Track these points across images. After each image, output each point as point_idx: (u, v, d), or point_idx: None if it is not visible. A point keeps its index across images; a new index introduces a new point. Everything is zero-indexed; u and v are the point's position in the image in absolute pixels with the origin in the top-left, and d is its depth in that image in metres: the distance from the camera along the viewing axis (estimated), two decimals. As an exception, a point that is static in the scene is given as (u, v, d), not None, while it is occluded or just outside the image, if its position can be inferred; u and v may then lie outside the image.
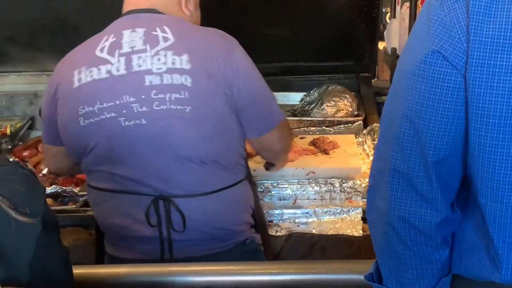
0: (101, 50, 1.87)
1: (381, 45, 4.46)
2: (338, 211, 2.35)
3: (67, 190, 2.61)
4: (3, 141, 3.24)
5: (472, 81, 1.10)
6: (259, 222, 2.08)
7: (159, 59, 1.83)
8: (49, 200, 2.59)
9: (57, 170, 2.45)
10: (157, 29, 1.87)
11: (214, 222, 1.92)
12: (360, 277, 1.44)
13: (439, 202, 1.20)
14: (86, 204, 2.51)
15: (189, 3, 1.99)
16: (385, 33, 4.51)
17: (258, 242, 2.03)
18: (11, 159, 1.18)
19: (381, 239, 1.29)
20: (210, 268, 1.75)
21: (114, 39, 1.88)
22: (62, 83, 1.92)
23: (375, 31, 3.14)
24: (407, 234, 1.22)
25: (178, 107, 1.81)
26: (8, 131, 3.36)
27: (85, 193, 2.52)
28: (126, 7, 1.97)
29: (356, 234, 2.29)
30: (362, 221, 2.33)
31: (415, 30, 1.21)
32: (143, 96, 1.82)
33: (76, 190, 2.60)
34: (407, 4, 3.94)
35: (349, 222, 2.33)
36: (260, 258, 2.03)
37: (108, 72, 1.84)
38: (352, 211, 2.35)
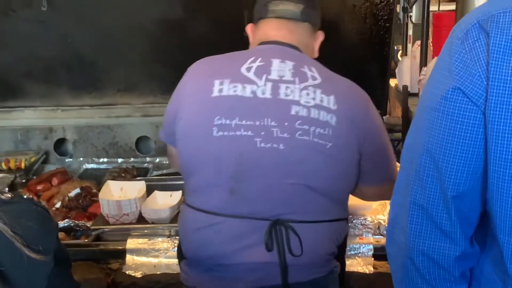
0: (248, 70, 1.90)
1: (392, 82, 4.49)
2: (348, 248, 2.34)
3: (80, 224, 2.62)
4: (17, 175, 3.27)
5: (491, 118, 1.10)
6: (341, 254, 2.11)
7: (307, 94, 1.87)
8: (61, 234, 2.61)
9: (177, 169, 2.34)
10: (305, 66, 1.92)
11: (321, 248, 1.93)
12: None
13: (458, 236, 1.20)
14: (98, 238, 2.52)
15: (316, 52, 2.12)
16: (396, 70, 4.55)
17: (338, 270, 2.05)
18: (25, 196, 1.18)
19: (400, 272, 1.29)
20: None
21: (263, 63, 1.91)
22: (197, 87, 1.94)
23: (386, 69, 3.15)
24: (426, 267, 1.23)
25: (320, 141, 1.84)
26: (22, 165, 3.39)
27: (98, 227, 2.56)
28: (270, 37, 2.02)
29: (367, 271, 2.28)
30: (373, 258, 2.32)
31: (436, 67, 1.22)
32: (286, 123, 1.84)
33: (88, 224, 2.60)
34: (418, 42, 3.97)
35: (360, 259, 2.32)
36: (336, 284, 2.05)
37: (253, 92, 1.87)
38: (363, 248, 2.35)
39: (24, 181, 3.24)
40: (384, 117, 3.47)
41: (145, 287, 2.31)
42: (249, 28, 2.10)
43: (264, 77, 1.88)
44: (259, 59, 1.91)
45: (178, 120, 1.92)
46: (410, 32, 4.83)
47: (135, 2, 2.84)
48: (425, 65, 3.45)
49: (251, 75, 1.88)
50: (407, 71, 4.12)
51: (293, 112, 1.84)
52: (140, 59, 3.10)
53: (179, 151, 1.96)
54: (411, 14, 4.55)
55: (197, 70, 1.98)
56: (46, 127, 3.52)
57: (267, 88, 1.87)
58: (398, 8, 4.67)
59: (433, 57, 3.49)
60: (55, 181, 3.17)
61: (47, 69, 3.24)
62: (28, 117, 3.51)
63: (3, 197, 1.10)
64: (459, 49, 1.15)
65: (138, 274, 2.32)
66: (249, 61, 1.91)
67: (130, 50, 3.07)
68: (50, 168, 3.43)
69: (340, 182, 1.93)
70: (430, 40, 3.75)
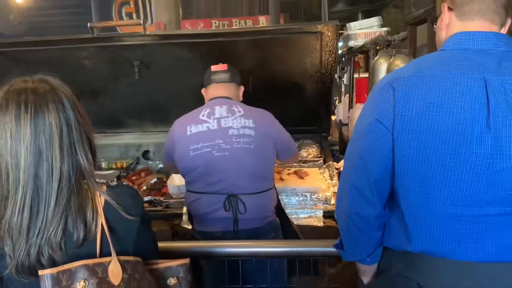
0: (202, 116, 2.03)
1: (333, 118, 4.51)
2: (308, 212, 2.32)
3: (156, 199, 2.60)
4: (121, 171, 3.26)
5: (396, 136, 1.14)
6: (280, 212, 2.16)
7: (237, 121, 1.99)
8: (146, 204, 2.60)
9: (168, 169, 2.72)
10: (234, 106, 2.04)
11: (259, 209, 2.00)
12: (330, 248, 1.45)
13: (377, 204, 1.22)
14: (167, 206, 2.51)
15: (240, 97, 2.20)
16: (335, 111, 4.56)
17: (278, 222, 2.11)
18: (124, 183, 1.17)
19: (344, 224, 1.30)
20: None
21: (210, 110, 2.04)
22: (179, 133, 2.05)
23: (329, 110, 3.15)
24: (358, 222, 1.24)
25: (246, 146, 1.96)
26: (124, 165, 3.38)
27: (168, 200, 2.54)
28: (213, 95, 2.12)
29: (319, 225, 2.27)
30: (323, 218, 2.30)
31: (364, 108, 1.26)
32: (227, 140, 1.96)
33: (161, 199, 2.59)
34: (347, 95, 3.99)
35: (315, 218, 2.30)
36: (278, 231, 2.10)
37: (207, 127, 1.99)
38: (317, 212, 2.33)
39: (125, 174, 3.23)
40: (328, 137, 3.46)
41: (191, 234, 2.27)
42: (203, 91, 2.22)
43: (212, 117, 2.02)
44: (208, 108, 2.05)
45: (175, 151, 2.07)
46: (343, 89, 4.84)
47: (187, 72, 2.83)
48: (351, 108, 3.45)
49: (205, 118, 2.03)
50: (341, 112, 4.13)
51: (230, 133, 1.98)
52: (190, 105, 3.07)
53: (177, 165, 2.09)
54: (343, 79, 4.57)
55: (178, 123, 2.12)
56: (137, 144, 3.50)
57: (215, 123, 2.00)
58: (336, 76, 4.70)
59: (355, 104, 3.50)
60: (142, 174, 3.15)
61: (138, 111, 3.24)
62: (127, 138, 3.50)
63: (112, 184, 1.10)
64: (378, 97, 1.18)
65: (189, 227, 2.30)
66: (202, 111, 2.05)
67: (185, 100, 3.04)
68: (139, 167, 3.41)
69: (263, 165, 2.02)
70: (355, 95, 3.76)
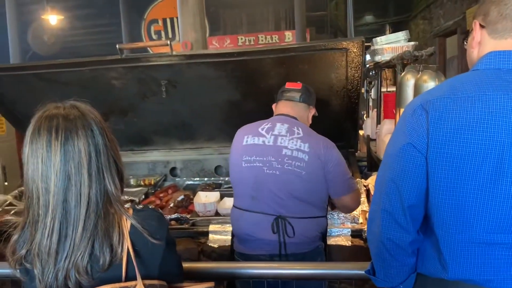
0: (262, 129, 2.01)
1: (361, 133, 4.46)
2: (336, 231, 2.28)
3: (183, 216, 2.62)
4: (149, 188, 3.30)
5: (430, 160, 1.11)
6: (324, 238, 2.12)
7: (293, 142, 1.93)
8: (173, 222, 2.62)
9: None
10: (295, 127, 2.00)
11: (307, 234, 1.94)
12: (362, 272, 1.42)
13: (410, 229, 1.19)
14: (193, 224, 2.52)
15: (310, 119, 2.18)
16: (363, 126, 4.51)
17: (323, 247, 2.06)
18: (150, 206, 1.19)
19: (375, 250, 1.26)
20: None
21: (270, 125, 2.01)
22: (237, 141, 2.04)
23: (356, 125, 3.11)
24: (391, 248, 1.21)
25: (298, 170, 1.90)
26: (152, 182, 3.42)
27: (194, 218, 2.56)
28: (280, 111, 2.10)
29: (347, 244, 2.22)
30: (350, 237, 2.26)
31: (396, 130, 1.23)
32: (279, 159, 1.91)
33: (188, 216, 2.60)
34: (375, 110, 3.94)
35: (343, 237, 2.26)
36: (323, 255, 2.06)
37: (263, 142, 1.96)
38: (345, 230, 2.29)
39: (153, 191, 3.26)
40: (356, 153, 3.42)
41: (219, 253, 2.27)
42: (273, 106, 2.17)
43: (270, 133, 1.98)
44: (270, 123, 2.02)
45: (230, 158, 2.04)
46: (371, 103, 4.78)
47: (213, 90, 2.87)
48: (379, 123, 3.40)
49: (263, 132, 1.99)
50: (369, 126, 4.07)
51: (283, 153, 1.92)
52: (216, 122, 3.12)
53: (230, 172, 2.06)
54: (370, 93, 4.51)
55: (240, 131, 2.08)
56: (165, 160, 3.54)
57: (271, 139, 1.97)
58: (363, 90, 4.65)
59: (383, 119, 3.45)
60: (169, 191, 3.18)
61: (165, 128, 3.29)
62: (155, 155, 3.55)
63: (137, 207, 1.11)
64: (410, 120, 1.15)
65: (216, 245, 2.31)
66: (264, 124, 2.01)
67: (211, 117, 3.10)
68: (167, 184, 3.45)
69: (313, 193, 1.94)
70: (382, 109, 3.71)
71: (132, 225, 1.04)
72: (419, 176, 1.14)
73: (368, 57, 4.21)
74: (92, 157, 1.03)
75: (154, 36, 11.53)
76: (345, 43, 2.45)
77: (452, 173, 1.08)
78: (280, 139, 1.96)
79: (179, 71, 2.72)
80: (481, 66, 1.14)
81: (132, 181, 3.50)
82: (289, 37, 10.71)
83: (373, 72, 3.70)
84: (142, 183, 3.45)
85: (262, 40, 10.86)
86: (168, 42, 2.49)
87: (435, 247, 1.17)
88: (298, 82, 2.18)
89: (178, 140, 3.42)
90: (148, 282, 1.02)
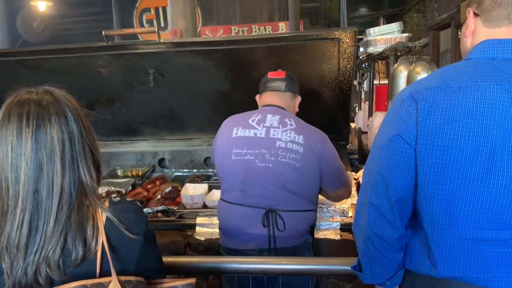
0: (252, 121, 1.93)
1: (352, 125, 4.42)
2: (325, 224, 2.24)
3: (170, 208, 2.56)
4: (137, 179, 3.24)
5: (419, 153, 1.06)
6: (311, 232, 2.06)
7: (286, 134, 1.88)
8: (160, 214, 2.56)
9: None
10: (287, 118, 1.94)
11: (298, 226, 1.89)
12: (348, 267, 1.37)
13: (398, 224, 1.14)
14: (180, 217, 2.47)
15: (296, 108, 2.12)
16: (355, 118, 4.47)
17: (311, 241, 2.02)
18: (128, 199, 1.13)
19: (362, 245, 1.22)
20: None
21: (261, 117, 1.94)
22: (224, 133, 1.96)
23: (348, 118, 3.06)
24: (378, 243, 1.17)
25: (292, 162, 1.84)
26: (140, 173, 3.37)
27: (181, 210, 2.50)
28: (266, 102, 2.03)
29: (336, 238, 2.18)
30: (340, 231, 2.22)
31: (384, 121, 1.17)
32: (273, 151, 1.85)
33: (175, 208, 2.55)
34: (367, 102, 3.90)
35: (332, 231, 2.22)
36: (311, 249, 2.02)
37: (255, 134, 1.89)
38: (334, 224, 2.25)
39: (140, 182, 3.21)
40: (347, 145, 3.38)
41: (206, 247, 2.23)
42: (257, 97, 2.11)
43: (261, 125, 1.92)
44: (260, 115, 1.94)
45: (216, 150, 1.97)
46: (363, 96, 4.74)
47: (202, 80, 2.81)
48: (371, 115, 3.36)
49: (254, 124, 1.91)
50: (361, 119, 4.03)
51: (277, 145, 1.86)
52: (206, 113, 3.07)
53: (217, 166, 1.98)
54: (363, 85, 4.47)
55: (226, 122, 2.00)
56: (153, 151, 3.49)
57: (263, 131, 1.90)
58: (356, 83, 4.60)
59: (375, 111, 3.41)
60: (157, 182, 3.13)
61: (153, 119, 3.23)
62: (143, 146, 3.50)
63: (114, 200, 1.05)
64: (399, 110, 1.10)
65: (202, 239, 2.26)
66: (253, 116, 1.94)
67: (200, 107, 3.04)
68: (155, 175, 3.39)
69: (306, 186, 1.90)
70: (374, 101, 3.67)
71: (107, 218, 0.99)
72: (407, 169, 1.09)
73: (361, 49, 4.17)
74: (66, 145, 0.97)
75: (146, 25, 11.38)
76: (337, 33, 2.39)
77: (441, 167, 1.04)
78: (273, 131, 1.90)
79: (167, 60, 2.65)
80: (475, 55, 1.09)
81: (119, 172, 3.45)
82: (283, 28, 10.63)
83: (366, 64, 3.65)
84: (129, 174, 3.40)
85: (255, 31, 10.77)
86: (156, 29, 2.42)
87: (424, 243, 1.13)
88: (280, 70, 2.11)
89: (167, 131, 3.36)
90: (123, 278, 0.96)
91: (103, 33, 2.46)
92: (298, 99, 2.14)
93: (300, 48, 2.54)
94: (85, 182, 0.99)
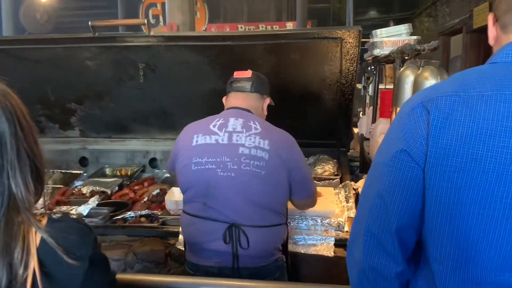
0: (213, 126, 1.77)
1: (356, 130, 4.24)
2: (318, 238, 2.07)
3: (154, 213, 2.41)
4: (124, 179, 3.08)
5: (428, 174, 0.87)
6: (285, 249, 1.88)
7: (250, 139, 1.72)
8: (143, 219, 2.40)
9: (172, 179, 2.35)
10: (251, 121, 1.78)
11: (264, 245, 1.72)
12: None
13: (399, 258, 0.95)
14: (163, 223, 2.30)
15: (265, 110, 1.94)
16: (358, 123, 4.29)
17: (283, 260, 1.83)
18: (72, 216, 0.95)
19: (356, 279, 1.02)
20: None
21: (223, 121, 1.78)
22: (184, 141, 1.80)
23: (350, 123, 2.90)
24: (374, 279, 0.98)
25: (257, 170, 1.68)
26: (129, 173, 3.21)
27: (165, 216, 2.34)
28: (231, 104, 1.88)
29: (329, 255, 2.00)
30: (334, 246, 2.04)
31: (388, 133, 0.98)
32: (235, 159, 1.69)
33: (159, 213, 2.38)
34: (371, 107, 3.72)
35: (325, 246, 2.04)
36: (283, 270, 1.82)
37: (216, 140, 1.73)
38: (328, 239, 2.07)
39: (128, 183, 3.05)
40: (348, 152, 3.20)
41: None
42: (224, 99, 1.96)
43: (223, 130, 1.76)
44: (222, 119, 1.81)
45: (176, 161, 1.80)
46: (367, 100, 4.55)
47: (195, 78, 2.66)
48: (374, 122, 3.18)
49: (215, 129, 1.77)
50: (364, 125, 3.85)
51: (240, 152, 1.70)
52: (199, 112, 2.89)
53: (178, 178, 1.82)
54: (368, 89, 4.28)
55: (186, 130, 1.87)
56: (144, 150, 3.33)
57: (225, 137, 1.74)
58: (360, 86, 4.42)
59: (378, 117, 3.23)
60: (146, 184, 2.97)
61: (144, 116, 3.08)
62: (134, 144, 3.34)
63: (54, 217, 0.88)
64: (407, 122, 0.91)
65: (184, 249, 2.10)
66: (215, 120, 1.79)
67: (193, 107, 2.88)
68: (145, 175, 3.23)
69: (273, 197, 1.73)
70: (379, 106, 3.49)
71: (42, 240, 0.82)
72: (413, 192, 0.90)
73: (369, 52, 3.99)
74: None
75: (152, 21, 11.23)
76: (340, 32, 2.22)
77: (456, 194, 0.84)
78: (236, 136, 1.73)
79: (158, 54, 2.49)
80: (501, 59, 0.90)
81: (108, 171, 3.30)
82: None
83: (372, 67, 3.47)
84: (118, 173, 3.24)
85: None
86: (145, 21, 2.26)
87: (429, 283, 0.93)
88: (248, 70, 1.94)
89: (158, 130, 3.20)
90: (60, 311, 0.80)
91: (89, 23, 2.31)
92: (267, 100, 1.95)
93: (300, 47, 2.38)
94: (17, 196, 0.82)
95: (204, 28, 10.73)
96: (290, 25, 10.59)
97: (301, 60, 2.46)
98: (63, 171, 3.33)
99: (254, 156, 1.69)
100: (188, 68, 2.57)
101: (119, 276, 1.23)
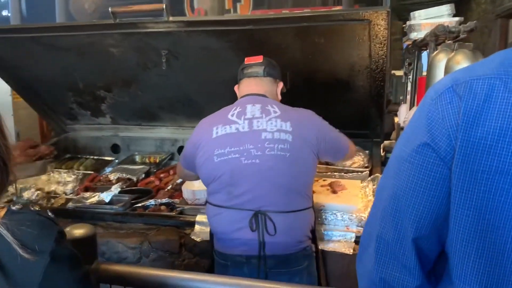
0: (232, 115, 1.75)
1: (396, 120, 4.02)
2: (338, 234, 1.96)
3: (175, 202, 2.39)
4: (151, 167, 3.09)
5: (457, 174, 0.71)
6: (315, 237, 1.81)
7: (271, 123, 1.70)
8: (163, 207, 2.39)
9: (183, 179, 2.44)
10: (269, 105, 1.76)
11: (292, 231, 1.67)
12: None
13: (416, 271, 0.80)
14: (181, 212, 2.28)
15: (279, 95, 1.91)
16: (398, 112, 4.06)
17: (313, 249, 1.77)
18: (32, 208, 0.90)
19: None
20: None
21: (240, 109, 1.76)
22: (204, 135, 1.76)
23: (382, 112, 2.71)
24: None
25: (281, 153, 1.66)
26: (158, 160, 3.23)
27: (182, 205, 2.31)
28: (245, 91, 1.86)
29: (348, 252, 1.89)
30: (354, 243, 1.92)
31: (411, 122, 0.82)
32: (259, 145, 1.67)
33: (177, 201, 2.36)
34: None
35: (344, 243, 1.93)
36: (312, 260, 1.76)
37: (236, 128, 1.71)
38: (348, 235, 1.96)
39: (155, 170, 3.06)
40: (382, 143, 3.03)
41: (202, 248, 2.03)
42: (235, 88, 1.94)
43: (242, 118, 1.73)
44: (238, 107, 1.76)
45: (196, 156, 1.76)
46: (409, 88, 4.29)
47: (219, 64, 2.60)
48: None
49: (234, 118, 1.72)
50: (402, 113, 3.63)
51: (263, 137, 1.68)
52: (225, 99, 2.84)
53: (200, 173, 1.77)
54: (409, 76, 4.03)
55: (202, 124, 1.83)
56: (173, 138, 3.33)
57: (246, 124, 1.71)
58: (399, 73, 4.16)
59: (416, 105, 3.03)
60: (171, 172, 2.97)
61: (171, 104, 3.06)
62: (163, 132, 3.35)
63: (13, 208, 0.84)
64: (432, 109, 0.75)
65: (198, 239, 2.06)
66: (232, 110, 1.75)
67: (219, 94, 2.81)
68: (173, 163, 3.23)
69: (299, 178, 1.69)
70: (416, 94, 3.26)
71: None
72: (436, 195, 0.74)
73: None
74: None
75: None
76: (367, 13, 2.06)
77: (489, 196, 0.69)
78: (256, 122, 1.71)
79: (179, 40, 2.44)
80: None
81: (137, 158, 3.33)
82: (336, 14, 10.11)
83: (411, 51, 3.25)
84: (147, 161, 3.27)
85: (307, 16, 10.33)
86: (164, 7, 2.21)
87: None
88: (260, 55, 1.90)
89: (185, 117, 3.18)
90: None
91: (109, 9, 2.30)
92: (280, 85, 1.93)
93: (325, 30, 2.24)
94: None
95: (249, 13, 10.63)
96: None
97: (327, 45, 2.32)
98: (95, 157, 3.40)
99: (278, 139, 1.67)
100: (210, 54, 2.50)
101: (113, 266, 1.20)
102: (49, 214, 0.87)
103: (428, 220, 0.76)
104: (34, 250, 0.79)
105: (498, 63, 0.71)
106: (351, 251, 1.89)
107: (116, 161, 3.30)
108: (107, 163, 3.29)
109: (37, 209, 0.85)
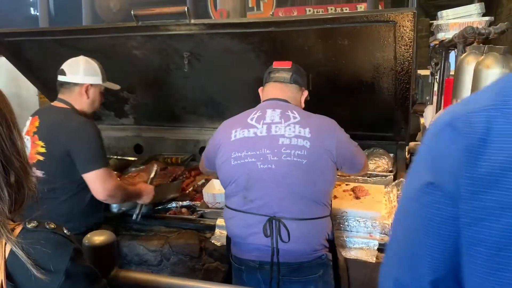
0: (251, 119, 1.76)
1: (422, 121, 3.93)
2: (360, 242, 1.92)
3: (196, 204, 2.39)
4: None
5: (465, 212, 0.66)
6: (332, 246, 1.79)
7: (290, 129, 1.69)
8: (184, 210, 2.39)
9: (206, 173, 2.41)
10: (289, 111, 1.75)
11: (306, 239, 1.66)
12: None
13: None
14: (201, 216, 2.28)
15: (302, 103, 1.90)
16: (424, 114, 3.96)
17: (329, 258, 1.73)
18: (47, 226, 0.88)
19: None
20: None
21: (260, 113, 1.77)
22: (224, 137, 1.77)
23: (407, 114, 2.65)
24: None
25: (298, 160, 1.64)
26: (179, 161, 3.24)
27: (203, 209, 2.30)
28: (268, 96, 1.85)
29: (371, 261, 1.85)
30: (377, 251, 1.88)
31: (416, 159, 0.75)
32: (275, 150, 1.66)
33: (198, 204, 2.36)
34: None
35: (367, 251, 1.89)
36: (328, 270, 1.73)
37: (254, 133, 1.71)
38: (371, 242, 1.92)
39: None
40: (407, 146, 2.96)
41: (222, 253, 2.03)
42: (260, 90, 1.93)
43: (261, 122, 1.73)
44: (259, 111, 1.79)
45: (216, 157, 1.76)
46: (435, 88, 4.18)
47: (241, 66, 2.59)
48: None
49: (253, 122, 1.76)
50: (429, 115, 3.53)
51: (280, 142, 1.67)
52: (247, 101, 2.82)
53: (219, 174, 1.78)
54: (436, 76, 3.92)
55: (223, 126, 1.84)
56: (195, 139, 3.34)
57: (264, 129, 1.72)
58: (424, 72, 4.06)
59: (443, 108, 2.93)
60: (193, 173, 2.98)
61: (194, 105, 3.07)
62: (185, 133, 3.36)
63: (28, 226, 0.83)
64: (434, 146, 0.70)
65: (219, 244, 2.05)
66: (252, 114, 1.76)
67: (241, 95, 2.81)
68: (195, 164, 3.23)
69: (316, 186, 1.67)
70: (443, 96, 3.16)
71: (11, 251, 0.78)
72: (446, 236, 0.67)
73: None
74: None
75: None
76: (392, 14, 2.01)
77: (502, 236, 0.62)
78: (275, 127, 1.70)
79: (201, 43, 2.43)
80: None
81: (159, 159, 3.34)
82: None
83: (439, 51, 3.16)
84: (169, 161, 3.28)
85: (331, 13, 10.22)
86: (186, 9, 2.20)
87: None
88: (289, 61, 1.87)
89: (208, 119, 3.18)
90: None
91: (132, 12, 2.31)
92: (305, 93, 1.91)
93: (350, 32, 2.19)
94: None
95: (271, 13, 10.59)
96: (361, 7, 10.10)
97: (351, 46, 2.28)
98: (118, 157, 3.44)
99: (295, 145, 1.65)
100: (232, 56, 2.49)
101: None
102: (65, 231, 0.86)
103: (444, 262, 0.70)
104: (49, 269, 0.79)
105: (495, 94, 0.66)
106: (374, 259, 1.85)
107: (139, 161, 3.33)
108: (130, 163, 3.32)
109: (53, 227, 0.85)
